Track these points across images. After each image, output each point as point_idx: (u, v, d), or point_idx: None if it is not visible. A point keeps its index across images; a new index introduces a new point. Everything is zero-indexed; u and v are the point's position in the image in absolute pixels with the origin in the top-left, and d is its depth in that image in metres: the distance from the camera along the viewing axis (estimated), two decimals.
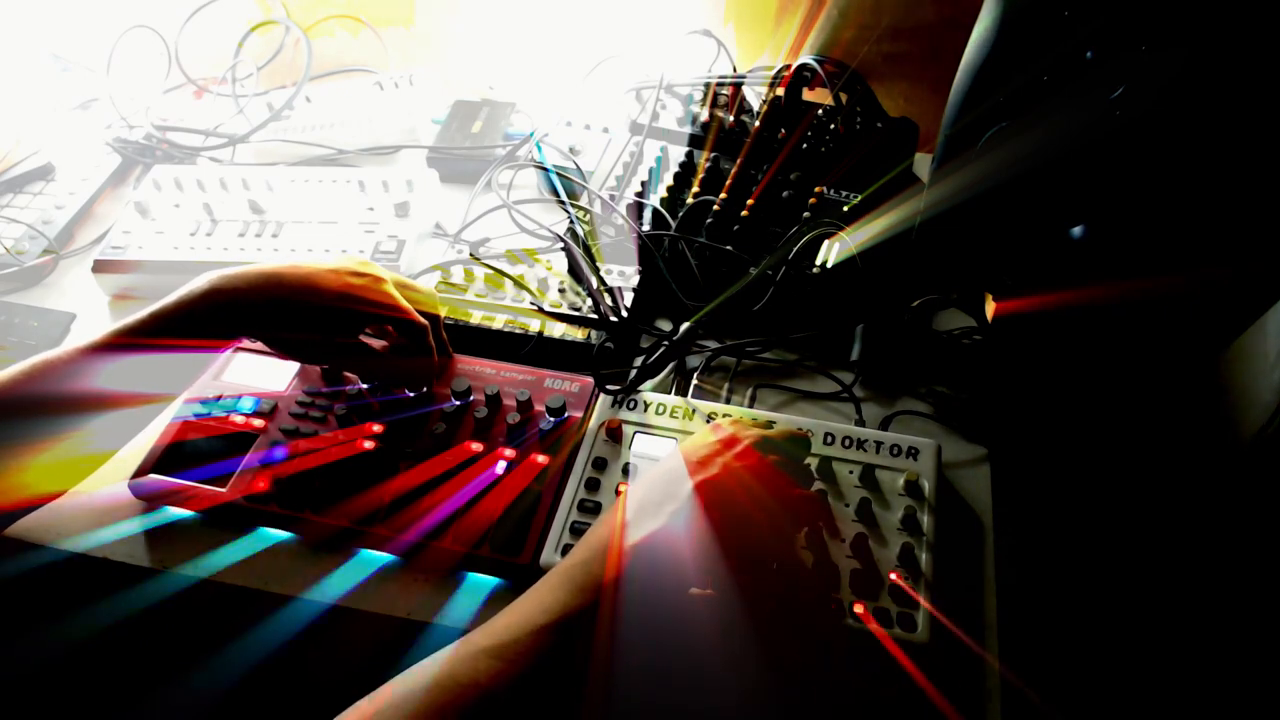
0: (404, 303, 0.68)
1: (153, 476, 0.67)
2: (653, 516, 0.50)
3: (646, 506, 0.51)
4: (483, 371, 0.74)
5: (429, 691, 0.44)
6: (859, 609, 0.57)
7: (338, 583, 0.64)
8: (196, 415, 0.71)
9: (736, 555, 0.50)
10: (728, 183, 0.87)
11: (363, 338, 0.70)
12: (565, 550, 0.62)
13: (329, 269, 0.66)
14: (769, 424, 0.66)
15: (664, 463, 0.55)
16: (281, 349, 0.67)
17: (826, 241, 0.78)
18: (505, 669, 0.44)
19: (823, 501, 0.62)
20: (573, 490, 0.65)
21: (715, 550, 0.49)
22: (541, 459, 0.67)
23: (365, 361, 0.69)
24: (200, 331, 0.61)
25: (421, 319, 0.69)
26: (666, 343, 0.75)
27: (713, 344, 0.79)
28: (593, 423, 0.69)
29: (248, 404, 0.71)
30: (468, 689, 0.44)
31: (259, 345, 0.76)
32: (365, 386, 0.72)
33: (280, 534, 0.67)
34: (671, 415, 0.69)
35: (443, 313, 0.74)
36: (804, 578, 0.58)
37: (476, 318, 0.78)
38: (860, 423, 0.74)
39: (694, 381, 0.77)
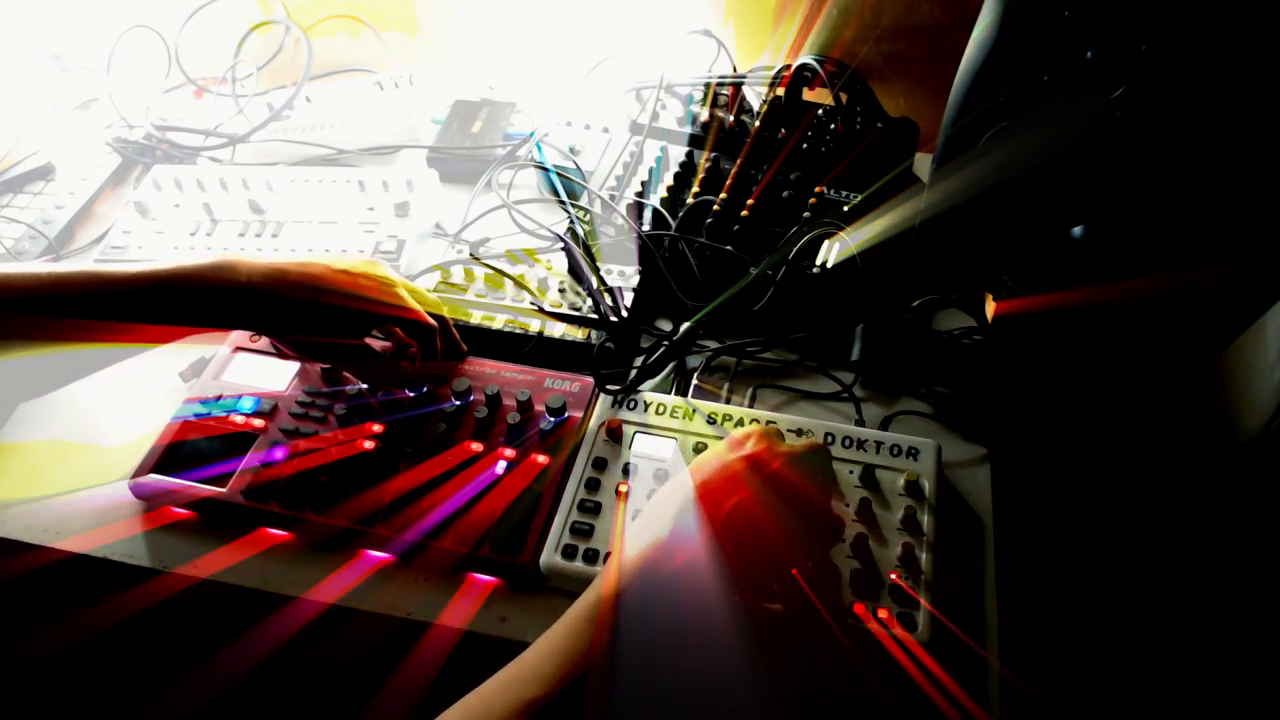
0: (415, 305, 0.69)
1: (153, 476, 0.67)
2: (687, 535, 0.49)
3: (680, 525, 0.50)
4: (483, 371, 0.74)
5: None
6: (858, 609, 0.57)
7: (338, 583, 0.64)
8: (196, 415, 0.71)
9: (762, 575, 0.50)
10: (728, 183, 0.87)
11: (368, 340, 0.70)
12: (565, 550, 0.62)
13: (341, 269, 0.66)
14: (775, 429, 0.65)
15: (682, 480, 0.53)
16: (287, 344, 0.67)
17: (826, 241, 0.78)
18: None
19: (843, 524, 0.62)
20: (573, 490, 0.65)
21: (742, 573, 0.48)
22: (541, 459, 0.67)
23: (368, 365, 0.69)
24: (200, 309, 0.61)
25: (432, 321, 0.70)
26: (666, 343, 0.75)
27: (713, 344, 0.79)
28: (593, 423, 0.69)
29: (248, 404, 0.71)
30: None
31: (260, 345, 0.77)
32: (365, 386, 0.72)
33: (280, 534, 0.67)
34: (671, 415, 0.69)
35: (445, 312, 0.74)
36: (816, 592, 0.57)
37: (476, 318, 0.78)
38: (860, 423, 0.74)
39: (694, 381, 0.77)
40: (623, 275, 0.81)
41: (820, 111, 0.97)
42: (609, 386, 0.71)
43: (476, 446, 0.68)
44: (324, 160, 1.04)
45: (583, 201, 0.91)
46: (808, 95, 1.01)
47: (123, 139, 1.05)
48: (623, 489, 0.64)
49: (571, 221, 0.88)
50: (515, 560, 0.62)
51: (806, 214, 0.83)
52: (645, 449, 0.67)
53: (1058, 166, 0.59)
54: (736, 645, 0.50)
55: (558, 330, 0.77)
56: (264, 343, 0.77)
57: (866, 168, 0.87)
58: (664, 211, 0.86)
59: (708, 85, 1.02)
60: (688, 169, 0.92)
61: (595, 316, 0.77)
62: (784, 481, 0.51)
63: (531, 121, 1.04)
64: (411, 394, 0.71)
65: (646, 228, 0.85)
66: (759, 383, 0.78)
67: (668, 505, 0.51)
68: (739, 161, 0.90)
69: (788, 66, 0.98)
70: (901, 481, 0.63)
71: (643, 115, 1.01)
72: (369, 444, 0.68)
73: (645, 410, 0.70)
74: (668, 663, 0.47)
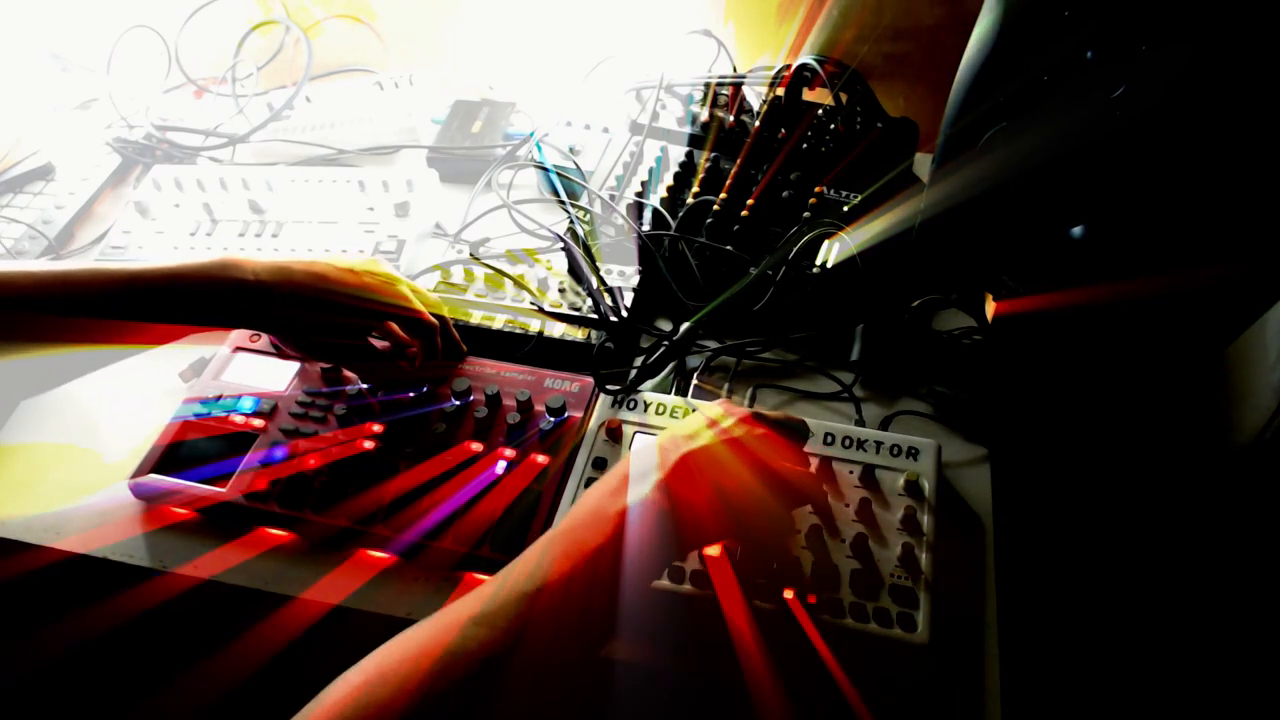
0: (418, 303, 0.69)
1: (153, 476, 0.67)
2: (639, 484, 0.50)
3: (634, 476, 0.51)
4: (483, 371, 0.74)
5: (418, 662, 0.43)
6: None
7: (338, 583, 0.64)
8: (196, 415, 0.71)
9: (724, 524, 0.50)
10: (728, 183, 0.87)
11: (368, 339, 0.70)
12: None
13: (346, 267, 0.66)
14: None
15: (654, 439, 0.55)
16: (289, 343, 0.67)
17: (826, 241, 0.78)
18: (493, 637, 0.44)
19: (820, 481, 0.62)
20: (573, 490, 0.65)
21: (701, 520, 0.49)
22: (541, 459, 0.67)
23: (369, 364, 0.70)
24: (205, 308, 0.61)
25: (433, 319, 0.70)
26: (666, 343, 0.75)
27: (713, 344, 0.79)
28: (593, 423, 0.69)
29: (248, 404, 0.71)
30: (457, 658, 0.43)
31: (260, 345, 0.76)
32: (365, 386, 0.72)
33: (280, 534, 0.67)
34: (671, 415, 0.69)
35: (445, 312, 0.75)
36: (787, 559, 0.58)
37: (476, 318, 0.78)
38: (860, 423, 0.73)
39: (694, 381, 0.77)
40: (623, 275, 0.81)
41: (820, 111, 0.97)
42: (609, 386, 0.71)
43: (476, 446, 0.68)
44: (324, 160, 1.04)
45: (583, 201, 0.91)
46: (808, 95, 1.01)
47: (123, 139, 1.05)
48: None
49: (571, 221, 0.88)
50: None
51: (806, 214, 0.83)
52: None
53: (1057, 167, 0.59)
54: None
55: (558, 330, 0.77)
56: (264, 343, 0.77)
57: (866, 168, 0.87)
58: (664, 211, 0.86)
59: (708, 85, 1.02)
60: (688, 169, 0.92)
61: (595, 316, 0.77)
62: (744, 436, 0.52)
63: (531, 121, 1.04)
64: (411, 394, 0.71)
65: (646, 228, 0.85)
66: (759, 383, 0.78)
67: (628, 459, 0.53)
68: (739, 161, 0.90)
69: (788, 66, 0.98)
70: (901, 481, 0.63)
71: (643, 115, 1.01)
72: (369, 444, 0.68)
73: (645, 410, 0.70)
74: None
